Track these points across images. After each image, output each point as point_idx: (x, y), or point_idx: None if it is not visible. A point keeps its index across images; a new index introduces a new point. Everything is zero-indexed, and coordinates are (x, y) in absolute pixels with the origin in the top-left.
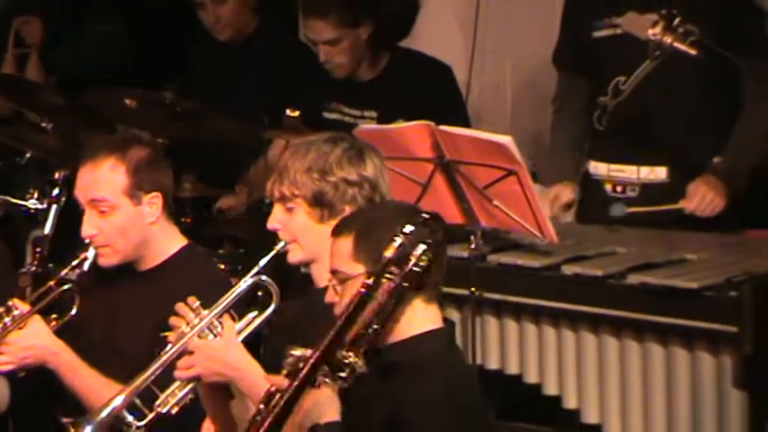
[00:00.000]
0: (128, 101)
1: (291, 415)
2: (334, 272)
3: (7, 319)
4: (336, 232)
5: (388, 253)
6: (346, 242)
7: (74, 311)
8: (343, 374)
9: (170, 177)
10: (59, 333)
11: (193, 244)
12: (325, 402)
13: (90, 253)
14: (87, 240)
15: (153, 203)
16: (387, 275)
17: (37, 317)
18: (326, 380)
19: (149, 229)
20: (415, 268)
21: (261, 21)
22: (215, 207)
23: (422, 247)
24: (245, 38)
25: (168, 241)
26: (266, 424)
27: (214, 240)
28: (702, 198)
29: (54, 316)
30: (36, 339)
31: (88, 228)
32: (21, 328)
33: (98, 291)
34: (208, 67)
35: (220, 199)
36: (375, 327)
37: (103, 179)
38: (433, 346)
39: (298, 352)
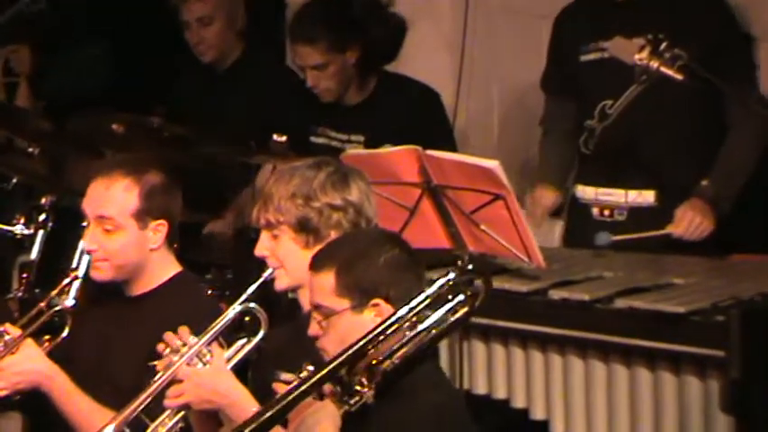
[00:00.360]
0: (115, 126)
1: (289, 419)
2: (316, 306)
3: None
4: (316, 267)
5: (428, 291)
6: (327, 277)
7: (65, 333)
8: (350, 401)
9: (179, 206)
10: (51, 355)
11: (186, 271)
12: (323, 415)
13: (80, 271)
14: (74, 264)
15: (158, 230)
16: (418, 316)
17: (29, 340)
18: (333, 398)
19: (149, 254)
20: (450, 316)
21: (247, 46)
22: (204, 232)
23: (460, 297)
24: (231, 62)
25: (163, 268)
26: (261, 419)
27: (201, 266)
28: (690, 222)
29: (47, 338)
30: (29, 364)
31: (90, 242)
32: (13, 353)
33: (89, 316)
34: (194, 92)
35: (209, 224)
36: (396, 362)
37: (115, 198)
38: (422, 369)
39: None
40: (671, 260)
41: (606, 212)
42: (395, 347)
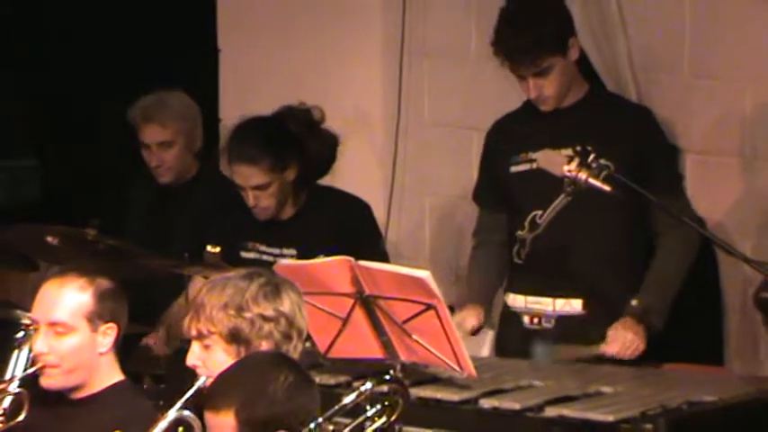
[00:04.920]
0: (50, 238)
1: None
2: None
3: None
4: (214, 407)
5: (345, 400)
6: (227, 418)
7: (22, 417)
8: None
9: (126, 313)
10: None
11: (128, 380)
12: None
13: (13, 385)
14: (8, 375)
15: (107, 334)
16: (336, 425)
17: None
18: None
19: (97, 358)
20: (367, 424)
21: (201, 165)
22: (141, 344)
23: (377, 407)
24: (185, 181)
25: (108, 374)
26: None
27: (135, 376)
28: (623, 343)
29: (1, 419)
30: None
31: (41, 346)
32: None
33: (29, 414)
34: (144, 209)
35: (144, 337)
36: None
37: (69, 298)
38: None
39: None
40: (599, 369)
41: (536, 320)
42: None
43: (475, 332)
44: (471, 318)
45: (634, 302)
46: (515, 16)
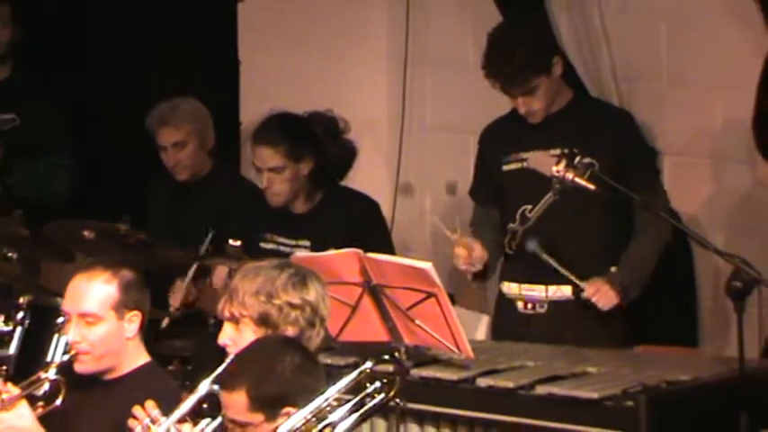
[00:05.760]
0: (86, 232)
1: None
2: (232, 421)
3: None
4: (227, 386)
5: (347, 378)
6: (240, 396)
7: (59, 401)
8: None
9: (149, 300)
10: (42, 420)
11: (154, 361)
12: None
13: (51, 372)
14: (49, 358)
15: (133, 321)
16: (338, 400)
17: (24, 401)
18: None
19: (125, 343)
20: (368, 400)
21: (215, 163)
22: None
23: (377, 384)
24: (200, 178)
25: (135, 357)
26: None
27: (162, 358)
28: (600, 288)
29: (41, 403)
30: (20, 421)
31: (74, 336)
32: (7, 410)
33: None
34: (164, 205)
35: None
36: None
37: (96, 291)
38: None
39: None
40: (585, 351)
41: (530, 306)
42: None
43: (478, 274)
44: (479, 249)
45: (613, 269)
46: (503, 44)
